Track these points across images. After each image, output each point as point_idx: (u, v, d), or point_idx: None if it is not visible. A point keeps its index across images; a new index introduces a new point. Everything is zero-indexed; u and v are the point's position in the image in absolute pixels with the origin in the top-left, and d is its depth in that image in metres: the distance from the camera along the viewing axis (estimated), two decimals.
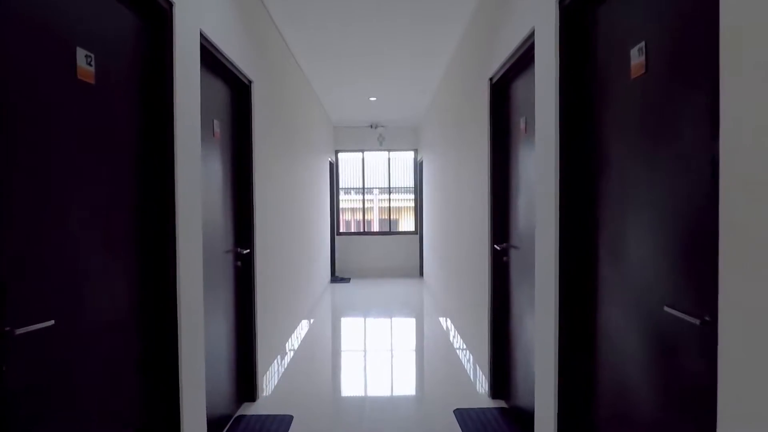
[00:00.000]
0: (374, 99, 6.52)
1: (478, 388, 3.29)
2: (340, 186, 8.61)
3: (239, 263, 2.91)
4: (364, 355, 4.25)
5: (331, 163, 8.11)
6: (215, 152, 2.57)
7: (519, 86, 2.72)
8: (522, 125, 2.61)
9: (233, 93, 2.88)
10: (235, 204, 2.88)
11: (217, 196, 2.59)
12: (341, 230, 8.60)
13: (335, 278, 7.94)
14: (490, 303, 3.07)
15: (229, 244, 2.79)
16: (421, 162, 8.01)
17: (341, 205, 8.65)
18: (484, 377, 3.25)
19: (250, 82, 2.98)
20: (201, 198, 2.12)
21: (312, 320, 5.35)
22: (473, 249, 3.60)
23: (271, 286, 3.50)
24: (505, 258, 2.96)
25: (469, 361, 3.72)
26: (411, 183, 8.68)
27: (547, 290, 2.01)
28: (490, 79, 3.06)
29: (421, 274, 8.32)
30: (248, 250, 2.94)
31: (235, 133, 2.89)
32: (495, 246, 2.99)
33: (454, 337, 4.45)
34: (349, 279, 8.02)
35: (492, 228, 3.04)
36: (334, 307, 6.27)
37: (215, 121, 2.55)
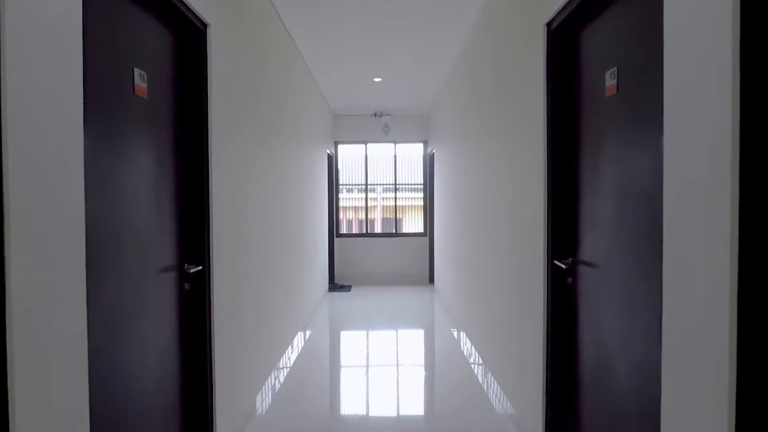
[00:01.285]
0: (379, 80, 5.62)
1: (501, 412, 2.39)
2: (340, 182, 7.71)
3: (187, 285, 2.01)
4: (366, 377, 3.36)
5: (330, 156, 7.21)
6: (139, 119, 1.67)
7: (599, 27, 1.82)
8: (609, 82, 1.71)
9: (177, 39, 1.99)
10: (180, 201, 1.99)
11: (142, 184, 1.69)
12: (341, 231, 7.70)
13: (334, 286, 7.05)
14: (546, 337, 2.17)
15: (169, 258, 1.90)
16: (432, 155, 7.11)
17: (341, 203, 7.75)
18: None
19: (204, 25, 2.09)
20: (83, 178, 1.23)
21: (306, 336, 4.46)
22: (514, 261, 2.70)
23: (248, 304, 2.61)
24: (570, 279, 2.06)
25: (499, 402, 2.83)
26: (419, 179, 7.78)
27: (707, 343, 1.10)
28: (547, 25, 2.16)
29: (431, 280, 7.42)
30: (200, 267, 2.05)
31: (177, 95, 1.99)
32: (555, 262, 2.09)
33: (475, 363, 3.55)
34: (350, 287, 7.12)
35: (550, 238, 2.14)
36: (332, 321, 5.38)
37: (138, 72, 1.65)
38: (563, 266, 2.04)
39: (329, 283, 7.09)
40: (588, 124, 1.92)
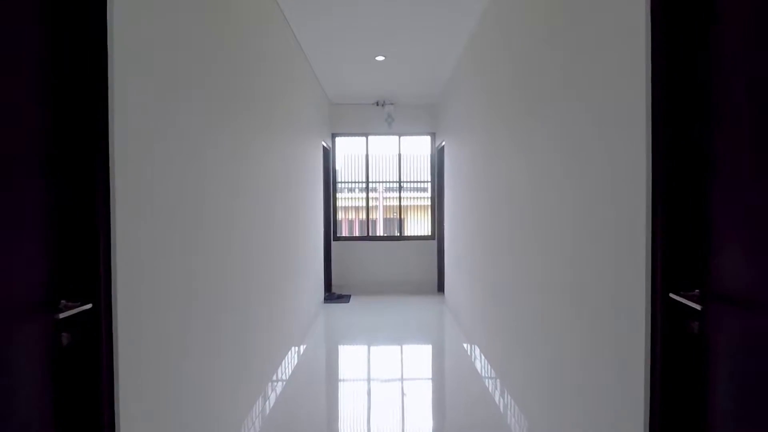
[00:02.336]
0: (381, 58, 4.82)
1: None
2: (338, 178, 6.91)
3: (66, 335, 1.22)
4: (368, 398, 2.57)
5: (326, 150, 6.42)
6: None
7: None
8: None
9: None
10: (47, 193, 1.20)
11: None
12: (339, 234, 6.90)
13: (331, 296, 6.24)
14: (649, 420, 1.36)
15: (28, 291, 1.10)
16: (441, 148, 6.31)
17: (339, 202, 6.94)
18: None
19: None
20: None
21: (295, 362, 3.66)
22: (573, 278, 1.89)
23: (220, 326, 1.82)
24: (696, 323, 1.25)
25: None
26: (425, 175, 6.97)
27: None
28: None
29: (440, 289, 6.61)
30: (89, 304, 1.25)
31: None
32: (673, 296, 1.29)
33: (495, 390, 2.74)
34: (349, 297, 6.32)
35: (662, 255, 1.33)
36: (328, 340, 4.58)
37: None
38: (689, 303, 1.24)
39: (325, 292, 6.29)
40: (739, 65, 1.12)
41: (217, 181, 2.16)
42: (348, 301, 6.07)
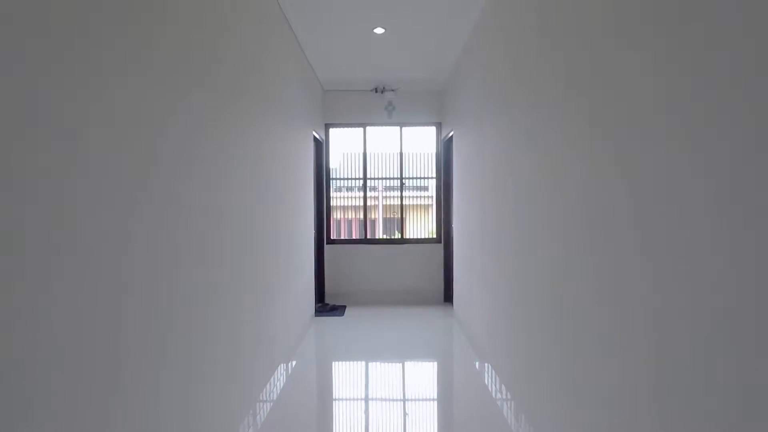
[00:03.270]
0: (381, 31, 4.09)
1: None
2: (332, 175, 6.17)
3: None
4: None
5: (319, 142, 5.69)
6: None
7: None
8: None
9: None
10: None
11: None
12: (333, 237, 6.16)
13: (323, 307, 5.50)
14: None
15: None
16: (449, 139, 5.58)
17: (332, 201, 6.20)
18: None
19: None
20: None
21: (264, 415, 2.91)
22: (646, 298, 1.16)
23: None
24: None
25: None
26: (430, 171, 6.24)
27: None
28: None
29: (447, 299, 5.88)
30: None
31: None
32: None
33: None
34: (344, 308, 5.58)
35: None
36: (318, 362, 3.84)
37: None
38: None
39: (317, 303, 5.55)
40: None
41: (174, 166, 1.42)
42: (342, 314, 5.33)
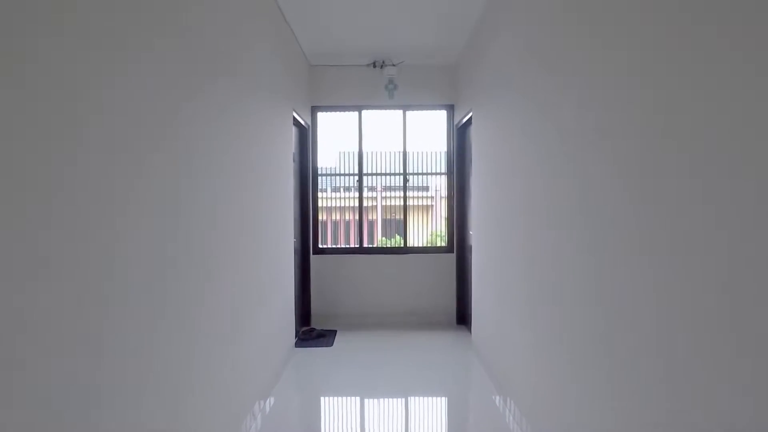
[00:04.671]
0: None
1: None
2: (320, 170, 5.07)
3: None
4: None
5: (303, 128, 4.61)
6: None
7: None
8: None
9: None
10: None
11: None
12: (321, 245, 5.06)
13: (308, 333, 4.40)
14: None
15: None
16: (464, 125, 4.51)
17: (320, 202, 5.09)
18: None
19: None
20: None
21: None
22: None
23: None
24: None
25: None
26: (440, 166, 5.16)
27: None
28: None
29: (462, 321, 4.80)
30: None
31: None
32: None
33: None
34: (334, 334, 4.48)
35: None
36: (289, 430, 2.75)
37: None
38: None
39: (300, 327, 4.46)
40: None
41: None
42: (331, 343, 4.23)
